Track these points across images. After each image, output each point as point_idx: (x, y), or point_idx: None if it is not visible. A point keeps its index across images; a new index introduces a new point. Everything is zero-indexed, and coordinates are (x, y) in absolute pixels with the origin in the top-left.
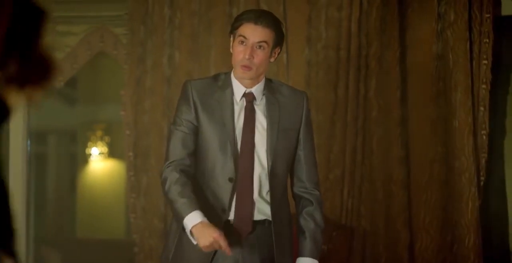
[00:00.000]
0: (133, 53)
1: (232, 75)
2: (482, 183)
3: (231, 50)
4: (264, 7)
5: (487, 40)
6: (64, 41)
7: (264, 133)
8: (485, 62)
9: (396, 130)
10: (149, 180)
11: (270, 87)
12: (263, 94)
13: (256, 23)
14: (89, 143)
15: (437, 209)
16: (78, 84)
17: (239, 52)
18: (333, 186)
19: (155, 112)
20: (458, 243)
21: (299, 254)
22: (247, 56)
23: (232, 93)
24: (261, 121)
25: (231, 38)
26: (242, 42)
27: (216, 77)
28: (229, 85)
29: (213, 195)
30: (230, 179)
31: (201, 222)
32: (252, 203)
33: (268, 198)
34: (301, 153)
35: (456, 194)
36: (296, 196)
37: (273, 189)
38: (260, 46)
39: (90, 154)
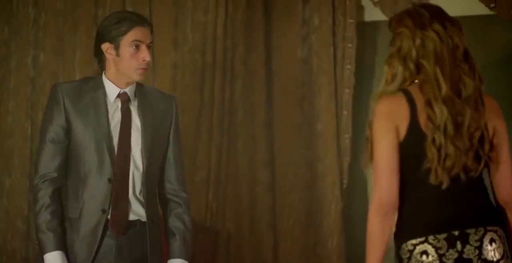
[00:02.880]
0: None
1: (104, 77)
2: (345, 186)
3: (110, 57)
4: (129, 9)
5: (351, 45)
6: None
7: (139, 134)
8: (349, 66)
9: (261, 132)
10: (12, 182)
11: (141, 90)
12: (135, 96)
13: (143, 25)
14: None
15: (301, 212)
16: None
17: (133, 57)
18: (198, 188)
19: (19, 113)
20: (321, 245)
21: (170, 255)
22: (148, 59)
23: (105, 94)
24: (135, 121)
25: (110, 45)
26: (137, 46)
27: (86, 80)
28: (101, 86)
29: (93, 196)
30: (109, 180)
31: None
32: (128, 204)
33: (141, 198)
34: (171, 154)
35: (319, 196)
36: (164, 199)
37: (147, 190)
38: (149, 47)
39: None
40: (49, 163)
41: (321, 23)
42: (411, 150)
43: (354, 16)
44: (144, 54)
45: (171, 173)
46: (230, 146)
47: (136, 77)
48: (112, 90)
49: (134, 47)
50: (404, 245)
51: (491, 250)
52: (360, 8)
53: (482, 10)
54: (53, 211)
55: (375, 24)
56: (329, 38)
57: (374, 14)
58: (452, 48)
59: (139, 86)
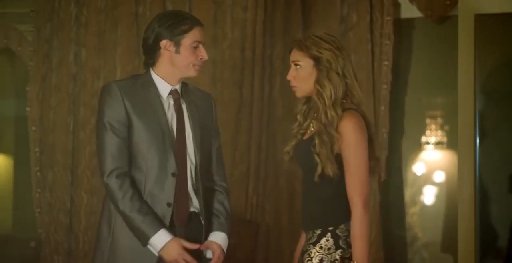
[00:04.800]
0: (39, 50)
1: (153, 73)
2: (382, 179)
3: (168, 54)
4: (169, 6)
5: (388, 42)
6: None
7: (190, 130)
8: (386, 63)
9: None
10: (54, 176)
11: (184, 87)
12: (182, 93)
13: (201, 25)
14: None
15: None
16: None
17: (193, 54)
18: (239, 182)
19: (61, 108)
20: None
21: (213, 229)
22: (206, 57)
23: (157, 91)
24: (186, 118)
25: (170, 42)
26: (197, 45)
27: (134, 77)
28: (152, 83)
29: (156, 190)
30: (173, 174)
31: (172, 240)
32: (188, 196)
33: (196, 190)
34: (214, 149)
35: None
36: (207, 189)
37: (201, 183)
38: (202, 46)
39: None
40: (117, 158)
41: (358, 20)
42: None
43: (391, 13)
44: (203, 53)
45: (214, 166)
46: (269, 141)
47: (193, 73)
48: (163, 87)
49: (194, 47)
50: (342, 226)
51: None
52: (397, 6)
53: None
54: (138, 198)
55: (410, 21)
56: (366, 35)
57: (409, 11)
58: None
59: (183, 84)
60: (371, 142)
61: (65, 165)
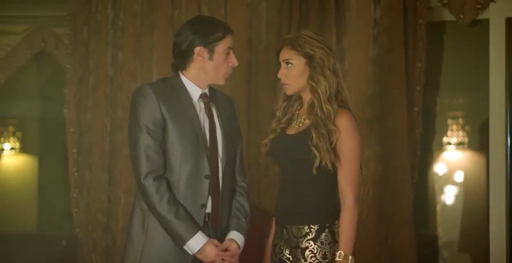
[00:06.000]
0: (76, 52)
1: (183, 77)
2: (415, 179)
3: (201, 60)
4: (205, 10)
5: (421, 44)
6: (4, 40)
7: (220, 132)
8: (419, 65)
9: None
10: (92, 176)
11: (212, 91)
12: (210, 97)
13: (232, 32)
14: (1, 139)
15: (374, 204)
16: None
17: (226, 62)
18: (272, 182)
19: (98, 110)
20: (393, 236)
21: (232, 229)
22: (236, 64)
23: (188, 94)
24: (216, 121)
25: (204, 49)
26: (228, 52)
27: (163, 80)
28: (182, 87)
29: (191, 192)
30: (206, 176)
31: (207, 242)
32: (220, 198)
33: (225, 191)
34: (237, 151)
35: (391, 190)
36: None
37: (229, 184)
38: (232, 52)
39: (2, 149)
40: (154, 161)
41: (392, 23)
42: None
43: (424, 17)
44: (234, 60)
45: (238, 167)
46: None
47: (222, 81)
48: (194, 90)
49: (227, 54)
50: (337, 222)
51: None
52: (429, 9)
53: None
54: (175, 201)
55: (442, 23)
56: (400, 38)
57: (441, 14)
58: None
59: (210, 88)
60: None
61: (103, 166)
